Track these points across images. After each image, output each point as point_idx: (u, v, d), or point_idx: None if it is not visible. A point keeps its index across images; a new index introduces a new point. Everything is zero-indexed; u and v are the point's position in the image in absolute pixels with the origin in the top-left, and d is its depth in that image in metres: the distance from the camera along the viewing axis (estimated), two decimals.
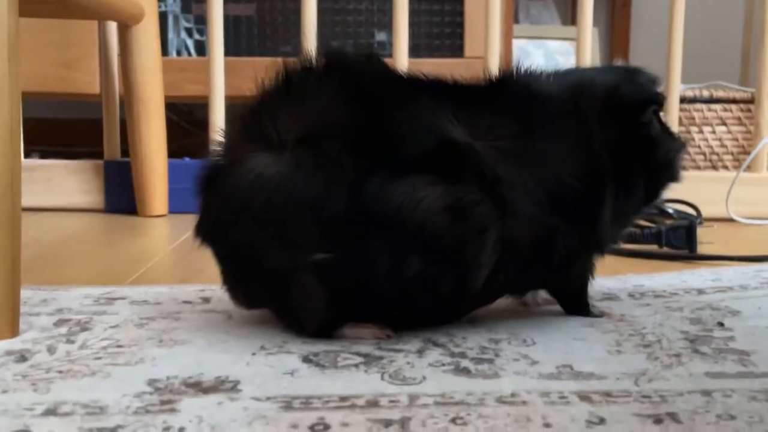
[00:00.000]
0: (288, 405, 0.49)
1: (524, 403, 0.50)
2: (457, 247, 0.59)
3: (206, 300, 0.73)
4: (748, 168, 1.35)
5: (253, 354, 0.58)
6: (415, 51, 1.47)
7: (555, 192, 0.62)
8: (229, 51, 1.37)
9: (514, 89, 0.66)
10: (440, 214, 0.57)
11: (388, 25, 1.37)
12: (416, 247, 0.58)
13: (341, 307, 0.61)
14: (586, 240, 0.65)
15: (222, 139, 0.63)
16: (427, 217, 0.57)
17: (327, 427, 0.46)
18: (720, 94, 1.66)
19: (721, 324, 0.67)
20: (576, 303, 0.70)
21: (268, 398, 0.50)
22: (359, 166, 0.58)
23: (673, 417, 0.47)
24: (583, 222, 0.64)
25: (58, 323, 0.66)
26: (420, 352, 0.59)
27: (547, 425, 0.46)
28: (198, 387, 0.52)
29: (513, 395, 0.51)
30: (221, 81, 1.31)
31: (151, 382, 0.52)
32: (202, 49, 1.57)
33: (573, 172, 0.62)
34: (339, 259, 0.58)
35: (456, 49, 1.58)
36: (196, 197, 0.64)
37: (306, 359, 0.57)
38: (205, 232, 0.63)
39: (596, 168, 0.64)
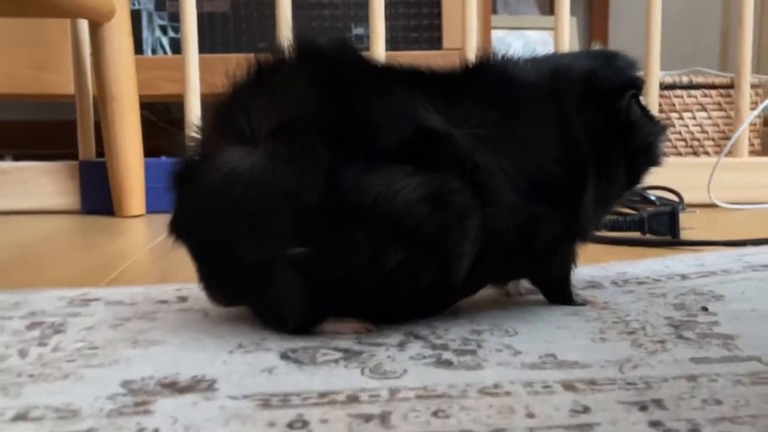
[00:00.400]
0: (265, 403, 0.48)
1: (507, 393, 0.49)
2: (438, 237, 0.58)
3: (183, 299, 0.72)
4: (729, 153, 1.35)
5: (230, 352, 0.57)
6: (392, 43, 1.47)
7: (536, 179, 0.61)
8: (204, 48, 1.35)
9: (490, 76, 0.65)
10: (419, 204, 0.56)
11: (365, 19, 1.35)
12: (396, 238, 0.57)
13: (320, 301, 0.59)
14: (569, 227, 0.64)
15: (195, 135, 0.62)
16: (405, 207, 0.56)
17: (306, 424, 0.45)
18: (700, 79, 1.66)
19: (705, 309, 0.67)
20: (559, 292, 0.69)
21: (245, 396, 0.49)
22: (335, 157, 0.56)
23: (659, 403, 0.47)
24: (565, 208, 0.63)
25: (31, 326, 0.64)
26: (401, 346, 0.58)
27: (530, 415, 0.45)
28: (173, 387, 0.50)
29: (496, 386, 0.50)
30: (196, 79, 1.30)
31: (125, 384, 0.51)
32: (177, 46, 1.55)
33: (553, 158, 0.61)
34: (317, 253, 0.57)
35: (434, 41, 1.57)
36: (169, 193, 0.62)
37: (284, 356, 0.56)
38: (179, 229, 0.62)
39: (576, 153, 0.63)
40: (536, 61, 0.68)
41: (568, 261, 0.68)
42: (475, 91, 0.63)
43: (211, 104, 0.63)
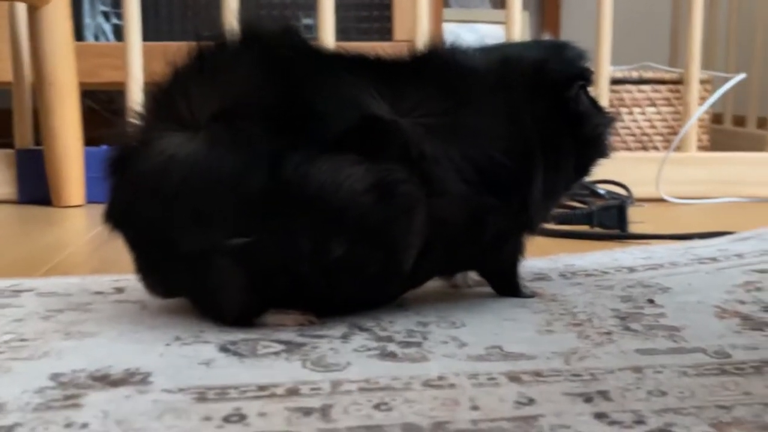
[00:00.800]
0: (202, 396, 0.46)
1: (452, 386, 0.48)
2: (384, 228, 0.56)
3: (120, 290, 0.70)
4: (678, 148, 1.36)
5: (167, 344, 0.55)
6: (343, 34, 1.45)
7: (484, 169, 0.60)
8: (148, 35, 1.32)
9: (439, 64, 0.64)
10: (365, 194, 0.55)
11: (315, 9, 1.33)
12: (340, 228, 0.56)
13: (262, 292, 0.58)
14: (517, 218, 0.63)
15: (133, 121, 0.60)
16: (350, 197, 0.55)
17: (243, 417, 0.43)
18: (649, 75, 1.67)
19: (651, 301, 0.67)
20: (506, 284, 0.68)
21: (181, 390, 0.47)
22: (278, 144, 0.55)
23: (604, 395, 0.46)
24: (513, 199, 0.62)
25: None
26: (345, 338, 0.57)
27: (474, 408, 0.45)
28: (105, 380, 0.49)
29: (440, 378, 0.49)
30: (139, 67, 1.27)
31: (55, 377, 0.49)
32: (120, 33, 1.51)
33: (501, 149, 0.61)
34: (258, 242, 0.55)
35: (384, 33, 1.56)
36: (106, 181, 0.60)
37: (223, 348, 0.54)
38: (115, 218, 0.60)
39: (525, 144, 0.62)
40: (486, 51, 0.67)
41: (515, 252, 0.67)
42: (424, 79, 0.62)
43: (150, 90, 0.61)
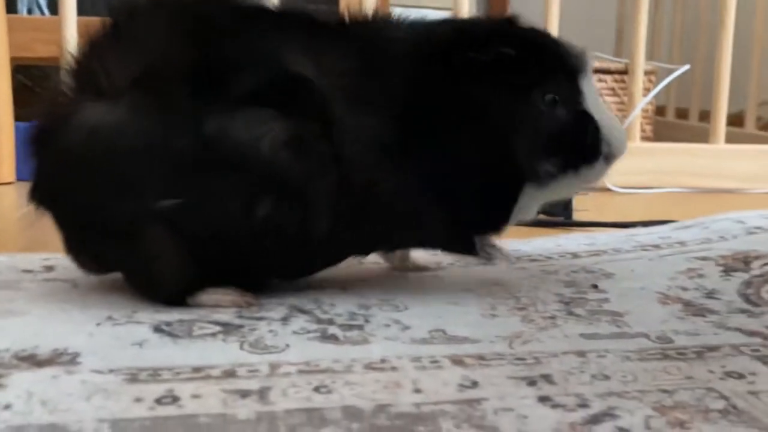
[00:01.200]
0: (133, 377, 0.45)
1: (394, 368, 0.47)
2: (301, 183, 0.55)
3: (50, 268, 0.67)
4: None
5: (98, 324, 0.53)
6: None
7: (385, 138, 0.57)
8: (84, 9, 1.27)
9: (363, 31, 0.62)
10: (282, 149, 0.54)
11: None
12: (261, 184, 0.54)
13: (195, 263, 0.56)
14: (418, 194, 0.59)
15: (55, 96, 0.58)
16: (269, 152, 0.54)
17: (176, 399, 0.42)
18: (595, 64, 1.68)
19: (595, 286, 0.67)
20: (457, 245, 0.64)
21: (111, 370, 0.45)
22: (199, 103, 0.54)
23: (548, 378, 0.46)
24: (406, 172, 0.58)
25: None
26: (284, 320, 0.55)
27: (417, 390, 0.44)
28: (31, 360, 0.47)
29: (383, 361, 0.48)
30: (74, 42, 1.22)
31: None
32: (55, 7, 1.46)
33: (403, 121, 0.58)
34: (188, 204, 0.54)
35: (331, 15, 1.53)
36: (28, 160, 0.58)
37: (157, 329, 0.53)
38: (41, 196, 0.58)
39: (422, 119, 0.59)
40: (414, 23, 0.65)
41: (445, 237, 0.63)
42: (345, 43, 0.60)
43: (67, 64, 0.58)
